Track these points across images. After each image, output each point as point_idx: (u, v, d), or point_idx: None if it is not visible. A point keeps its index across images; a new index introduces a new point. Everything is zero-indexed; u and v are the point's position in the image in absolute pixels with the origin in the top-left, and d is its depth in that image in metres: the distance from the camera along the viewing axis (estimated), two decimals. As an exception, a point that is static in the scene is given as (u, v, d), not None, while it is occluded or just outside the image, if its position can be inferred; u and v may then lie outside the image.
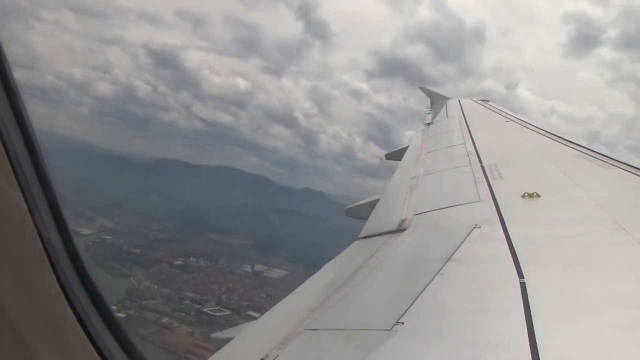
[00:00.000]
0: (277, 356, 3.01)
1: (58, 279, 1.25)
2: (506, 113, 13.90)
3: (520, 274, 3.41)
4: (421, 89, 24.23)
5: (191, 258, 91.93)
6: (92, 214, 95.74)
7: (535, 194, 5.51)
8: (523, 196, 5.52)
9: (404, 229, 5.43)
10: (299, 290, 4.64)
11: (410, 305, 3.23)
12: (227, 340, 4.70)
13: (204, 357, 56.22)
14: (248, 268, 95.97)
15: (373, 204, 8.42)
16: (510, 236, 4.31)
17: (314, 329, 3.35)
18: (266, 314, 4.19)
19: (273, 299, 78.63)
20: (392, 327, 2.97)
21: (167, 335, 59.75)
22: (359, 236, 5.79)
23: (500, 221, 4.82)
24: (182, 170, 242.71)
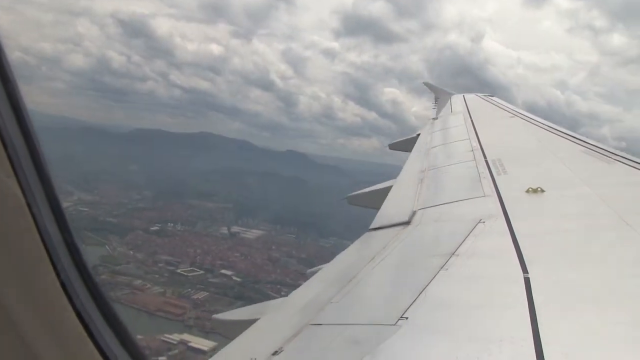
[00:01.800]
0: (281, 351, 3.02)
1: (58, 275, 1.25)
2: (510, 108, 13.91)
3: (525, 269, 3.42)
4: (425, 84, 24.22)
5: (169, 224, 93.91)
6: (71, 188, 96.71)
7: (539, 189, 5.50)
8: (527, 191, 5.52)
9: (409, 223, 5.45)
10: (307, 283, 4.61)
11: (415, 300, 3.24)
12: (228, 322, 4.96)
13: (174, 314, 59.37)
14: (225, 230, 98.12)
15: (375, 193, 8.81)
16: (515, 231, 4.32)
17: (318, 324, 3.35)
18: (273, 310, 4.12)
19: (246, 258, 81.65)
20: (397, 321, 2.98)
21: (138, 296, 61.40)
22: (370, 227, 5.81)
23: (505, 216, 4.83)
24: (162, 139, 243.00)
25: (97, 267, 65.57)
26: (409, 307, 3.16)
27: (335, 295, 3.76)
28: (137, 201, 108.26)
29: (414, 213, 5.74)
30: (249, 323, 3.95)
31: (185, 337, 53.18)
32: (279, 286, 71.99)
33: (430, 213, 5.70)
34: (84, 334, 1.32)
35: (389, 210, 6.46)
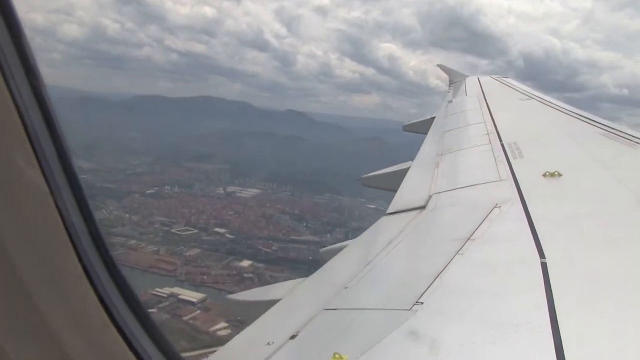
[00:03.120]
0: (297, 335, 3.04)
1: (80, 261, 1.26)
2: (526, 91, 13.72)
3: (542, 254, 3.41)
4: (439, 66, 23.95)
5: (166, 187, 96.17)
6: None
7: (556, 172, 5.44)
8: (544, 175, 5.46)
9: (425, 208, 5.45)
10: (323, 269, 4.61)
11: (430, 285, 3.24)
12: (243, 303, 5.01)
13: (166, 270, 62.14)
14: (221, 190, 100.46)
15: (389, 176, 8.91)
16: (531, 215, 4.30)
17: (333, 309, 3.37)
18: (289, 295, 4.09)
19: (240, 216, 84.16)
20: (412, 307, 2.98)
21: (132, 255, 62.88)
22: (387, 212, 5.79)
23: (521, 200, 4.80)
24: (162, 105, 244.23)
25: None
26: (424, 292, 3.16)
27: (350, 280, 3.77)
28: (135, 167, 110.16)
29: (429, 197, 5.72)
30: (263, 304, 3.99)
31: (176, 290, 55.46)
32: (270, 241, 74.37)
33: (445, 197, 5.68)
34: (108, 321, 1.34)
35: (405, 194, 6.40)
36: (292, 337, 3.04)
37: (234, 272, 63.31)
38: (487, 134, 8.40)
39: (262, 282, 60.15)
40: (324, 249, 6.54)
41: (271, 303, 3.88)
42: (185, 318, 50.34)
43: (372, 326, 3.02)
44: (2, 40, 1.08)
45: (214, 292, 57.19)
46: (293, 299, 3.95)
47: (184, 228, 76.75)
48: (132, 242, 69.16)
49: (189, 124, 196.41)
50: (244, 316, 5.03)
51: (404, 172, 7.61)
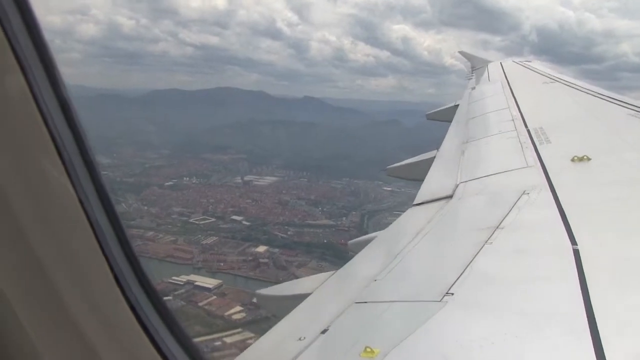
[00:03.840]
0: (328, 329, 3.03)
1: (111, 268, 1.28)
2: (550, 74, 13.49)
3: (573, 241, 3.35)
4: (461, 53, 23.88)
5: (184, 178, 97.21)
6: None
7: (585, 157, 5.34)
8: (572, 160, 5.37)
9: (452, 197, 5.41)
10: (352, 262, 4.62)
11: (460, 276, 3.21)
12: (272, 297, 5.05)
13: (183, 258, 63.34)
14: (239, 180, 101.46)
15: (414, 166, 8.81)
16: (561, 202, 4.23)
17: (363, 302, 3.36)
18: (319, 289, 4.06)
19: (257, 203, 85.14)
20: (442, 298, 2.96)
21: (149, 246, 63.58)
22: (414, 203, 5.74)
23: (550, 186, 4.74)
24: (179, 98, 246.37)
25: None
26: (455, 282, 3.13)
27: (380, 272, 3.76)
28: (154, 160, 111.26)
29: (456, 186, 5.67)
30: (292, 299, 4.00)
31: (192, 277, 56.28)
32: (286, 227, 75.31)
33: (472, 186, 5.61)
34: (137, 326, 1.36)
35: (431, 184, 6.37)
36: (323, 331, 3.04)
37: (250, 258, 64.11)
38: (512, 119, 8.30)
39: (277, 266, 61.39)
40: (352, 241, 6.48)
41: (301, 297, 3.87)
42: (200, 304, 51.19)
43: (403, 319, 3.01)
44: (25, 47, 1.11)
45: (230, 278, 58.47)
46: (323, 293, 3.93)
47: (201, 217, 77.66)
48: (150, 233, 70.00)
49: (206, 116, 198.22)
50: (273, 311, 5.07)
51: (430, 161, 7.59)
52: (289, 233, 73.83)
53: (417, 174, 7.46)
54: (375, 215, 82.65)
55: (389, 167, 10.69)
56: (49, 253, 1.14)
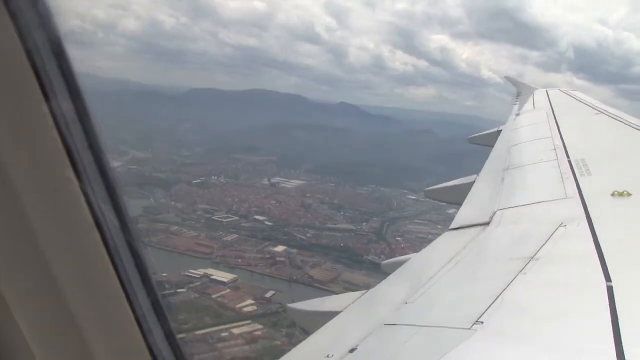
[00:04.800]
0: (356, 349, 3.07)
1: (119, 276, 1.29)
2: (596, 105, 13.29)
3: (607, 277, 3.30)
4: (507, 78, 23.65)
5: (212, 177, 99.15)
6: (126, 149, 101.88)
7: (625, 192, 5.25)
8: (613, 194, 5.28)
9: (489, 224, 5.39)
10: (384, 282, 4.63)
11: (491, 305, 3.20)
12: (303, 312, 5.15)
13: (203, 253, 65.07)
14: (266, 181, 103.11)
15: (453, 189, 8.84)
16: (598, 236, 4.16)
17: (393, 324, 3.38)
18: (349, 307, 4.05)
19: (281, 205, 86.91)
20: (472, 325, 2.96)
21: (172, 239, 65.27)
22: (450, 227, 5.75)
23: (587, 220, 4.67)
24: (216, 97, 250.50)
25: (139, 217, 67.49)
26: (485, 311, 3.12)
27: (411, 295, 3.77)
28: (186, 157, 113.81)
29: (494, 213, 5.65)
30: (322, 315, 4.04)
31: (209, 271, 57.65)
32: (306, 229, 76.45)
33: (510, 214, 5.60)
34: (141, 338, 1.37)
35: (469, 209, 6.37)
36: (351, 350, 3.07)
37: (267, 256, 65.75)
38: (554, 149, 8.19)
39: (293, 265, 62.89)
40: (385, 261, 6.51)
41: (331, 314, 3.91)
42: (214, 296, 52.59)
43: (431, 344, 3.01)
44: (46, 59, 1.12)
45: (246, 274, 59.92)
46: (353, 312, 3.95)
47: (225, 215, 79.31)
48: (174, 227, 71.92)
49: (241, 117, 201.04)
50: (303, 324, 5.03)
51: (469, 185, 7.58)
52: (308, 235, 74.96)
53: (456, 198, 7.51)
54: (395, 223, 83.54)
55: (427, 189, 10.76)
56: (51, 249, 1.16)
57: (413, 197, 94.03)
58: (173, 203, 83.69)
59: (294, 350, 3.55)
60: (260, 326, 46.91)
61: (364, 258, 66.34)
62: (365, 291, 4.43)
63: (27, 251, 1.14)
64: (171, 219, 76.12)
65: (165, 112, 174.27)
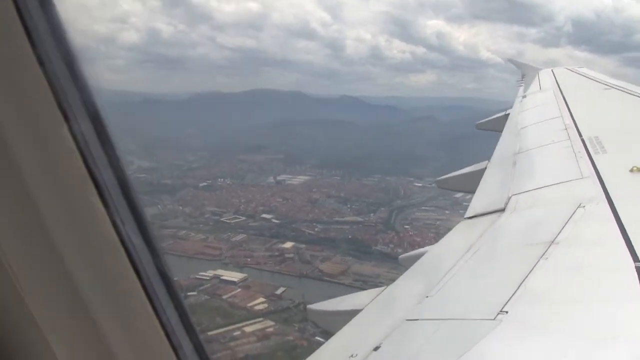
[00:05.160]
0: (380, 347, 3.00)
1: (138, 274, 1.29)
2: (605, 80, 13.07)
3: (635, 257, 3.18)
4: (510, 60, 23.53)
5: (219, 179, 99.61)
6: (132, 158, 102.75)
7: None
8: (631, 170, 5.12)
9: (504, 210, 5.25)
10: (402, 277, 4.51)
11: (514, 293, 3.11)
12: (323, 312, 5.09)
13: (212, 255, 65.35)
14: (272, 179, 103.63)
15: (465, 177, 8.69)
16: (620, 215, 4.02)
17: (414, 319, 3.30)
18: (370, 305, 3.96)
19: (288, 202, 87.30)
20: (496, 316, 2.87)
21: (180, 244, 65.75)
22: (465, 216, 5.60)
23: (607, 199, 4.51)
24: (218, 101, 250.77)
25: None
26: (509, 300, 3.03)
27: (431, 289, 3.69)
28: (192, 162, 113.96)
29: (508, 199, 5.51)
30: (343, 314, 3.98)
31: (219, 272, 58.33)
32: (314, 224, 76.96)
33: (525, 198, 5.45)
34: (162, 333, 1.36)
35: (483, 197, 6.23)
36: (375, 348, 3.01)
37: (276, 254, 66.40)
38: (566, 128, 8.01)
39: (302, 261, 63.53)
40: (402, 255, 6.31)
41: (352, 313, 3.85)
42: (224, 297, 53.20)
43: (456, 337, 2.94)
44: (65, 83, 1.14)
45: (256, 272, 60.56)
46: (374, 309, 3.87)
47: (232, 216, 79.91)
48: (183, 232, 72.55)
49: (244, 117, 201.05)
50: (325, 326, 4.96)
51: (481, 172, 7.42)
52: (316, 229, 75.44)
53: (468, 186, 7.41)
54: (403, 211, 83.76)
55: (439, 178, 10.64)
56: (70, 248, 1.17)
57: (419, 185, 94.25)
58: (181, 208, 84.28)
59: (317, 351, 3.49)
60: (272, 323, 47.54)
61: (372, 249, 66.76)
62: (384, 287, 4.35)
63: (46, 250, 1.14)
64: (179, 223, 76.64)
65: (169, 118, 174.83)
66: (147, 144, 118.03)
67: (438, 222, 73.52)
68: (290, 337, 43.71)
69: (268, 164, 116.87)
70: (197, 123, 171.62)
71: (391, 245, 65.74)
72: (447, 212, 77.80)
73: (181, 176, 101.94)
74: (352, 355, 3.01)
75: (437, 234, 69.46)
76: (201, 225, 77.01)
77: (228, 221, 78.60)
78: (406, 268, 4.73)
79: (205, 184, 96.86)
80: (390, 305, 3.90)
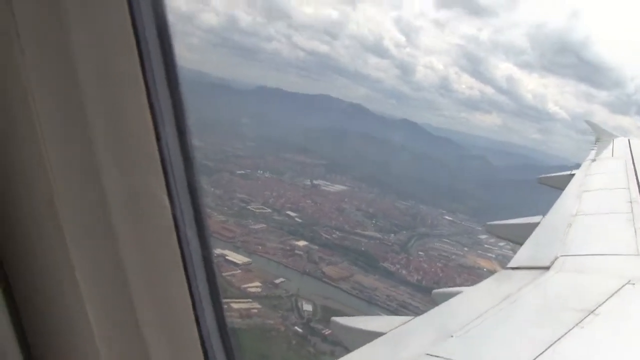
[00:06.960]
0: None
1: (190, 286, 1.30)
2: None
3: None
4: (587, 122, 22.82)
5: (258, 171, 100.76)
6: None
7: None
8: None
9: (549, 269, 5.12)
10: (432, 311, 4.46)
11: (541, 354, 3.04)
12: (346, 328, 4.96)
13: (226, 236, 64.87)
14: (308, 182, 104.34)
15: (516, 227, 8.54)
16: None
17: (435, 356, 3.24)
18: (394, 331, 3.93)
19: (316, 205, 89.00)
20: None
21: None
22: (507, 266, 5.49)
23: None
24: (281, 97, 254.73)
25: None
26: (534, 359, 2.96)
27: (458, 330, 3.64)
28: (238, 150, 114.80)
29: (555, 258, 5.37)
30: (366, 334, 4.01)
31: (227, 252, 59.37)
32: (333, 230, 77.85)
33: (573, 262, 5.31)
34: (199, 345, 1.38)
35: (530, 250, 6.15)
36: None
37: (287, 248, 67.74)
38: (630, 201, 7.75)
39: (309, 260, 64.74)
40: (436, 290, 6.28)
41: (374, 335, 3.85)
42: (223, 274, 53.40)
43: None
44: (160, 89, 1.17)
45: (262, 261, 62.09)
46: (396, 336, 3.85)
47: (259, 207, 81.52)
48: (207, 210, 74.76)
49: (300, 119, 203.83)
50: (345, 341, 4.93)
51: (533, 226, 7.31)
52: (333, 236, 76.44)
53: (518, 237, 7.33)
54: (423, 238, 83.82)
55: (488, 223, 10.48)
56: (131, 254, 1.19)
57: (449, 218, 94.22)
58: (212, 189, 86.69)
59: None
60: (259, 306, 49.12)
61: (379, 264, 67.78)
62: (412, 317, 4.31)
63: (108, 254, 1.18)
64: (205, 202, 78.60)
65: (229, 105, 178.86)
66: (202, 124, 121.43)
67: (453, 257, 73.78)
68: (271, 321, 45.25)
69: (310, 166, 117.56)
70: (254, 115, 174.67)
71: (397, 266, 66.69)
72: (465, 249, 77.89)
73: (224, 160, 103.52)
74: None
75: (445, 266, 69.98)
76: (226, 209, 78.57)
77: (253, 210, 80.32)
78: (437, 303, 4.73)
79: (243, 172, 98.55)
80: (413, 336, 3.87)
